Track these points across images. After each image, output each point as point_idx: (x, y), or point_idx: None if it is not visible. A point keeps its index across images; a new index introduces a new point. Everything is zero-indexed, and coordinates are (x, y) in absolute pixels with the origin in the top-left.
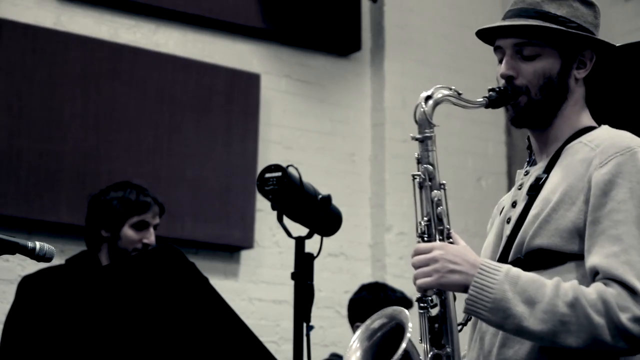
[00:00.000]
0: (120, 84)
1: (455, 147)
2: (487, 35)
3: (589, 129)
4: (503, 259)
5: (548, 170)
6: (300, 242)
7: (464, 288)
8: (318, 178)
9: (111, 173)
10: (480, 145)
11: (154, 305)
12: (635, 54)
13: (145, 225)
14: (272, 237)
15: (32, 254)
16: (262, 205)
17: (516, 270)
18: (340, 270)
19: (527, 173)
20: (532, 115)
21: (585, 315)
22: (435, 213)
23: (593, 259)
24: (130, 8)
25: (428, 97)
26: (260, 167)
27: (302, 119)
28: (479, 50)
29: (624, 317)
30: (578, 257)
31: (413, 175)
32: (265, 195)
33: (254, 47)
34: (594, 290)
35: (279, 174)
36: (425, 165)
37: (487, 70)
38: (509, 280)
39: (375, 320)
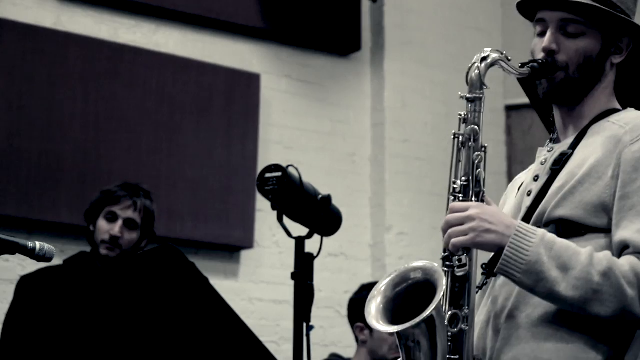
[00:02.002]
0: (120, 84)
1: None
2: (528, 6)
3: (615, 110)
4: None
5: (574, 147)
6: (300, 242)
7: (499, 249)
8: (318, 178)
9: (111, 173)
10: None
11: (154, 305)
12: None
13: (114, 217)
14: (272, 237)
15: (32, 254)
16: (262, 205)
17: (551, 236)
18: (340, 270)
19: (551, 149)
20: (566, 92)
21: (618, 286)
22: (474, 174)
23: (623, 233)
24: (130, 8)
25: (484, 59)
26: (260, 167)
27: (302, 119)
28: (479, 51)
29: None
30: (598, 230)
31: (454, 134)
32: (265, 195)
33: (254, 47)
34: (627, 262)
35: (279, 174)
36: (471, 126)
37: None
38: (544, 244)
39: (411, 272)
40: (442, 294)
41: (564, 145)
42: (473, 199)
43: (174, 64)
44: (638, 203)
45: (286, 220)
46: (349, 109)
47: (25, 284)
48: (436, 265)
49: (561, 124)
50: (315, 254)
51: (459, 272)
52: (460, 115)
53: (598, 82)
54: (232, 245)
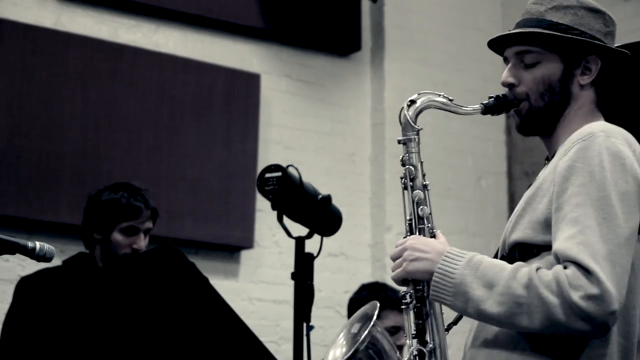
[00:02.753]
0: (120, 84)
1: (455, 147)
2: (497, 46)
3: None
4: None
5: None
6: (300, 242)
7: (430, 275)
8: (318, 178)
9: (111, 173)
10: (480, 145)
11: (154, 306)
12: (635, 53)
13: (135, 231)
14: (272, 237)
15: (32, 254)
16: (262, 205)
17: (480, 257)
18: (340, 270)
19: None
20: (534, 121)
21: (538, 295)
22: (416, 213)
23: (555, 245)
24: (130, 8)
25: (412, 102)
26: (260, 167)
27: (302, 119)
28: (479, 50)
29: (576, 295)
30: (548, 248)
31: (401, 178)
32: (265, 195)
33: (254, 47)
34: (551, 272)
35: (279, 174)
36: (407, 167)
37: (488, 70)
38: (470, 265)
39: (354, 324)
40: (372, 323)
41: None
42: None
43: (174, 64)
44: (568, 211)
45: (286, 220)
46: (349, 109)
47: (24, 285)
48: (375, 303)
49: (547, 151)
50: (315, 254)
51: (412, 307)
52: (401, 157)
53: (567, 106)
54: (232, 245)
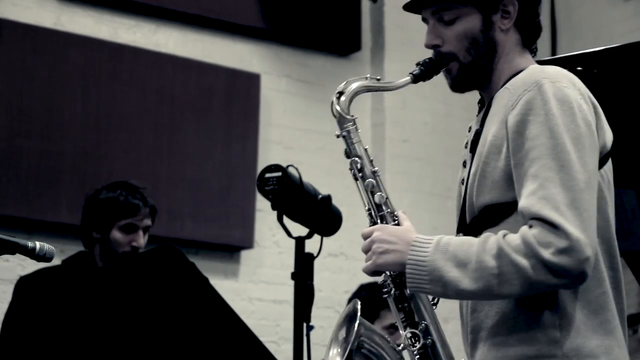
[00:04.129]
0: (120, 84)
1: (455, 147)
2: (414, 8)
3: (519, 72)
4: (461, 221)
5: (482, 123)
6: (300, 242)
7: (402, 266)
8: (318, 178)
9: (111, 173)
10: None
11: (154, 305)
12: (635, 54)
13: (134, 228)
14: (272, 237)
15: (32, 254)
16: (262, 205)
17: (447, 238)
18: (340, 270)
19: (470, 129)
20: (467, 78)
21: (510, 262)
22: (373, 201)
23: (520, 203)
24: (130, 8)
25: (340, 93)
26: (260, 167)
27: (302, 119)
28: None
29: (547, 253)
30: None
31: (350, 169)
32: (265, 195)
33: (254, 47)
34: (519, 235)
35: (279, 174)
36: (353, 158)
37: None
38: (439, 249)
39: (341, 330)
40: (356, 328)
41: (476, 124)
42: (379, 222)
43: (174, 64)
44: (527, 167)
45: (286, 220)
46: None
47: (24, 284)
48: (354, 301)
49: (483, 103)
50: (315, 254)
51: (394, 294)
52: (344, 150)
53: (495, 54)
54: (232, 245)
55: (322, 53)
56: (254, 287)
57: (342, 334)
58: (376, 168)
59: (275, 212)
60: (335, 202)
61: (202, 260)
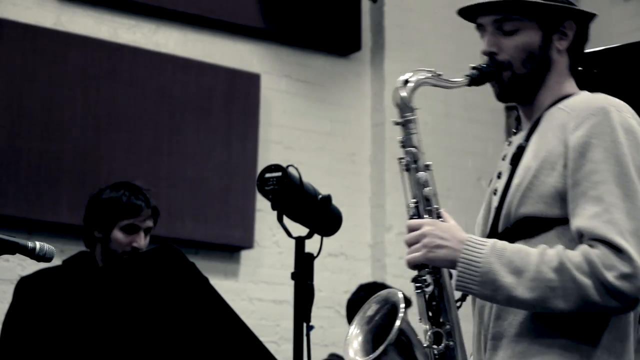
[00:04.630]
0: (120, 84)
1: (455, 147)
2: (469, 14)
3: (569, 95)
4: (493, 230)
5: (528, 138)
6: (300, 242)
7: (452, 264)
8: (318, 178)
9: (111, 173)
10: (480, 145)
11: (154, 306)
12: (635, 54)
13: (135, 229)
14: (272, 237)
15: (32, 254)
16: (262, 205)
17: (502, 243)
18: (340, 270)
19: (509, 143)
20: (516, 89)
21: (571, 278)
22: (422, 194)
23: (577, 222)
24: (130, 8)
25: (406, 81)
26: (260, 167)
27: (302, 119)
28: (479, 50)
29: (611, 276)
30: (563, 221)
31: (399, 159)
32: (265, 195)
33: (254, 47)
34: (579, 252)
35: (279, 174)
36: (408, 148)
37: None
38: (495, 253)
39: (371, 306)
40: (399, 322)
41: (520, 138)
42: (425, 217)
43: (174, 64)
44: (588, 189)
45: (286, 220)
46: (349, 109)
47: (24, 285)
48: (392, 290)
49: (524, 118)
50: (315, 254)
51: (429, 291)
52: (399, 138)
53: (547, 72)
54: (232, 245)
55: (322, 53)
56: (254, 287)
57: (371, 312)
58: (430, 162)
59: (275, 212)
60: (335, 202)
61: (202, 260)
